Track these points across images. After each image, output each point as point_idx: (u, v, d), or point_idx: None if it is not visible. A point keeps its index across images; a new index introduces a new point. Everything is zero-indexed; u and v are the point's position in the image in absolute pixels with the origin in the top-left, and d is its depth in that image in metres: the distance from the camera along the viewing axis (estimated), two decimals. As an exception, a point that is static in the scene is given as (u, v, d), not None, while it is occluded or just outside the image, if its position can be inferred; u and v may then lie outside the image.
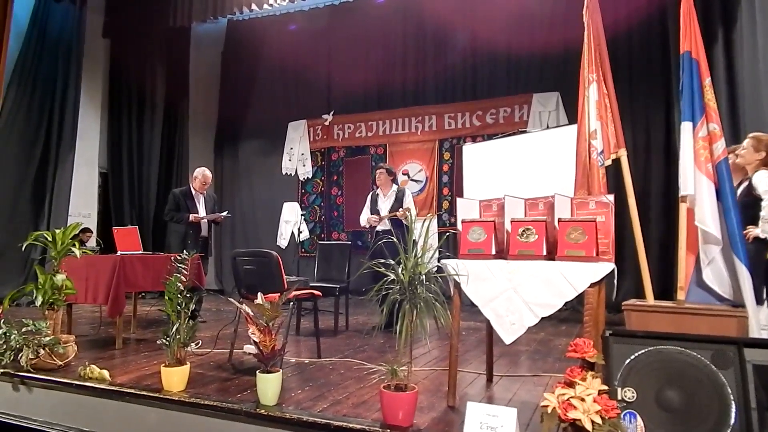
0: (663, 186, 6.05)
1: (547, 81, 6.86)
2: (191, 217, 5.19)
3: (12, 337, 2.97)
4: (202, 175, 5.41)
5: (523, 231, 2.44)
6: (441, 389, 2.69)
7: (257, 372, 2.41)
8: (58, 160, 6.90)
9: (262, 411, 2.29)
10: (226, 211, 5.63)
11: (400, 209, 4.85)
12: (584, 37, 2.98)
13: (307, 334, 4.42)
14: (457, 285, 2.50)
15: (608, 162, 2.91)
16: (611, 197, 2.37)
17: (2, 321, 3.10)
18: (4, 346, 2.96)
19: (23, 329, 3.01)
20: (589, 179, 2.83)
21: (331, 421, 2.15)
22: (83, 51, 7.25)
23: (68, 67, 7.06)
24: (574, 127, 3.14)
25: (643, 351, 1.86)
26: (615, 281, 2.21)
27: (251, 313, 2.49)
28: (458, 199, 2.94)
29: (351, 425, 2.11)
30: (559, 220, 2.36)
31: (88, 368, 2.80)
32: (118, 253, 4.40)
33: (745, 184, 3.17)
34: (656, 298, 2.63)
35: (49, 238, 3.31)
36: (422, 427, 2.14)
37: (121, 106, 7.92)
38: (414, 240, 2.24)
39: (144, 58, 8.05)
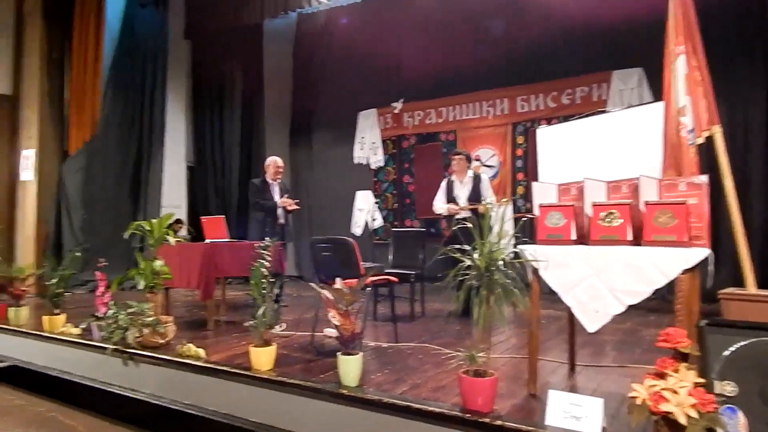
0: (764, 167, 5.51)
1: (629, 56, 6.38)
2: (278, 201, 5.16)
3: (120, 317, 3.30)
4: (274, 163, 5.31)
5: (606, 215, 2.34)
6: (521, 377, 2.66)
7: (338, 354, 2.51)
8: (150, 157, 7.51)
9: (345, 391, 2.38)
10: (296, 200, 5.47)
11: (481, 204, 4.71)
12: (669, 5, 2.78)
13: (384, 320, 4.52)
14: (535, 271, 2.46)
15: (700, 140, 2.72)
16: (705, 178, 2.21)
17: (111, 302, 3.45)
18: (114, 325, 3.29)
19: (129, 310, 3.33)
20: (678, 159, 2.65)
21: (411, 404, 2.20)
22: (168, 53, 7.77)
23: (155, 69, 7.61)
24: (660, 104, 2.95)
25: (744, 342, 1.74)
26: (711, 268, 2.07)
27: (331, 298, 2.59)
28: (534, 184, 2.84)
29: (431, 408, 2.15)
30: (646, 203, 2.24)
31: (185, 347, 3.05)
32: (206, 241, 4.70)
33: None
34: (758, 287, 2.44)
35: (147, 228, 3.62)
36: (503, 414, 2.13)
37: (203, 103, 8.44)
38: (490, 225, 2.22)
39: (221, 57, 8.46)
